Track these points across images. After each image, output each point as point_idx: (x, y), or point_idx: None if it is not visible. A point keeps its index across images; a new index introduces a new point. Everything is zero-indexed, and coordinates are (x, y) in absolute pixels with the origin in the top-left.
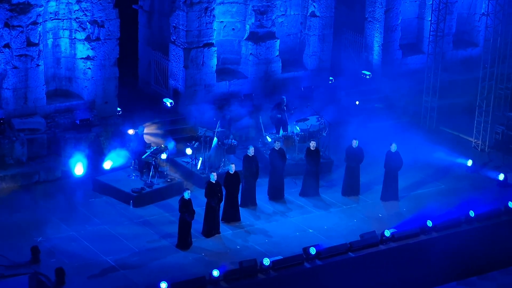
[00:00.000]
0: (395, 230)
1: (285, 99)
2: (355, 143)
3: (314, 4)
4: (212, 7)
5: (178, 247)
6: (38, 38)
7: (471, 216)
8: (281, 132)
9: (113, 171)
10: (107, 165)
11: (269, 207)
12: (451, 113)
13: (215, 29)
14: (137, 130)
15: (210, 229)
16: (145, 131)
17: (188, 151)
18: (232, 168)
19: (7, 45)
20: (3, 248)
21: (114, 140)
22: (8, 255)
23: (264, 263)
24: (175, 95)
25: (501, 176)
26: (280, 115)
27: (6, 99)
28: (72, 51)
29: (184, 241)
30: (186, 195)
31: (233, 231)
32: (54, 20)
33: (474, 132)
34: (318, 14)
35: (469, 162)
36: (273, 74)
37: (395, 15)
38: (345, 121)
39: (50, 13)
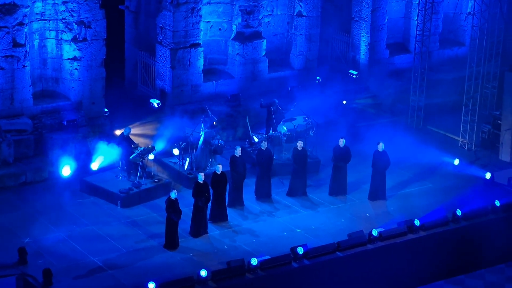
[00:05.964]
0: (382, 229)
1: (276, 102)
2: (342, 142)
3: (300, 4)
4: (198, 7)
5: (166, 247)
6: (24, 39)
7: (458, 215)
8: (270, 131)
9: (101, 171)
10: (94, 165)
11: (257, 207)
12: (438, 112)
13: (201, 29)
14: (123, 131)
15: (198, 229)
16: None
17: (175, 151)
18: (219, 169)
19: None
20: None
21: (101, 141)
22: None
23: (251, 263)
24: (162, 96)
25: (488, 175)
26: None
27: None
28: (59, 52)
29: (171, 241)
30: (173, 195)
31: (221, 231)
32: (40, 21)
33: (461, 131)
34: (304, 13)
35: (456, 161)
36: (259, 74)
37: (382, 14)
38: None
39: (36, 14)
